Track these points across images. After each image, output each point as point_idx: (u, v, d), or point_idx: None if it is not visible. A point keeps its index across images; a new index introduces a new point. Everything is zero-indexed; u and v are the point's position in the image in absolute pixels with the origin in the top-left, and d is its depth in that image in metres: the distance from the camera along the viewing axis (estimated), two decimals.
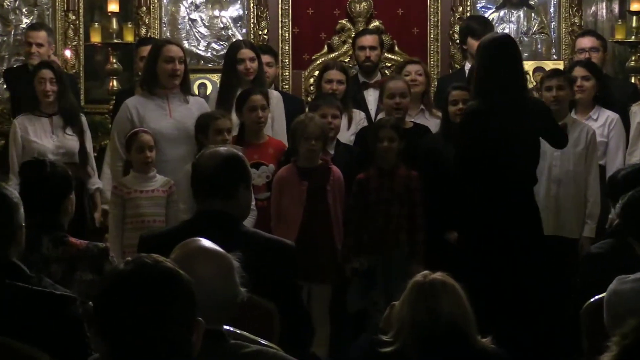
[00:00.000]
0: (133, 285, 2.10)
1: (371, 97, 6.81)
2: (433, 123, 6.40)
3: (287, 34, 7.91)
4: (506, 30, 7.92)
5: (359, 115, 6.51)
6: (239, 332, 2.79)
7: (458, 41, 7.61)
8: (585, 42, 7.08)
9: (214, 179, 3.63)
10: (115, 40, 7.42)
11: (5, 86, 7.66)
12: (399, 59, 7.72)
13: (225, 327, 2.68)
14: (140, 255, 2.17)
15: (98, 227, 6.39)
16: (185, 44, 7.74)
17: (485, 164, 5.34)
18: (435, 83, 7.38)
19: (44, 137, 6.29)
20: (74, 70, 7.72)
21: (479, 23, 7.28)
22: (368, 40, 7.11)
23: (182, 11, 7.96)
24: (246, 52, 6.17)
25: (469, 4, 7.90)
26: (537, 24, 8.02)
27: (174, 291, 2.11)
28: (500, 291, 5.25)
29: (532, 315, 5.32)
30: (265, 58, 6.54)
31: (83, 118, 6.47)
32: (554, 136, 5.60)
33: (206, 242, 2.77)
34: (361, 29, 7.77)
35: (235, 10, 7.99)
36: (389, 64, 7.35)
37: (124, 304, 2.08)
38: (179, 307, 2.11)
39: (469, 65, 7.08)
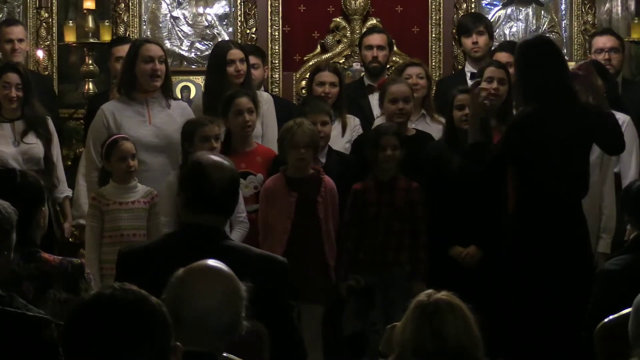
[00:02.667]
0: (98, 311, 2.16)
1: (377, 101, 6.77)
2: (435, 129, 6.40)
3: (277, 33, 7.91)
4: (514, 29, 7.97)
5: (353, 122, 6.48)
6: (225, 355, 2.80)
7: None
8: (604, 41, 7.05)
9: (226, 195, 3.61)
10: (92, 40, 7.41)
11: None
12: (398, 59, 7.71)
13: None
14: (107, 284, 2.23)
15: (68, 239, 6.36)
16: (167, 44, 7.74)
17: (533, 173, 5.34)
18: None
19: (5, 143, 6.25)
20: (47, 73, 7.72)
21: (471, 20, 7.30)
22: (376, 39, 7.09)
23: (164, 8, 7.96)
24: (236, 53, 6.18)
25: (473, 0, 7.91)
26: (547, 23, 8.03)
27: (141, 315, 2.17)
28: (538, 315, 5.25)
29: (552, 336, 5.31)
30: (252, 59, 6.49)
31: (50, 122, 6.41)
32: (608, 138, 5.47)
33: (216, 263, 2.82)
34: (357, 27, 7.79)
35: (221, 8, 7.99)
36: (387, 65, 7.35)
37: (89, 333, 2.14)
38: (148, 332, 2.16)
39: (469, 67, 7.09)
